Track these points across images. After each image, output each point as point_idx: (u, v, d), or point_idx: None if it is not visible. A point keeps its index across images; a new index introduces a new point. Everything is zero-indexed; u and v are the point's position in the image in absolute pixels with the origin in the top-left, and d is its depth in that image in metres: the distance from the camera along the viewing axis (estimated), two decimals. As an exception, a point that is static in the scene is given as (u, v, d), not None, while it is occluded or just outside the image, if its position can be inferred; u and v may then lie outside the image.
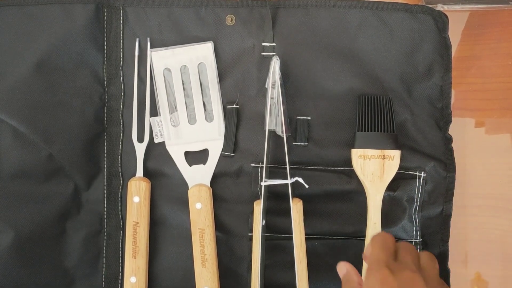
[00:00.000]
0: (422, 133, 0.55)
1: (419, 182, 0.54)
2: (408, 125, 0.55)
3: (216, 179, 0.57)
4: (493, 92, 0.57)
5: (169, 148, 0.56)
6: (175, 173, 0.57)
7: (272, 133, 0.55)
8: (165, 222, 0.57)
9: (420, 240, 0.55)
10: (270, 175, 0.55)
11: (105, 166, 0.58)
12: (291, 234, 0.54)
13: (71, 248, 0.57)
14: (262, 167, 0.55)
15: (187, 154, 0.57)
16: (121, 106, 0.57)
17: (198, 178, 0.56)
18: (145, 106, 0.57)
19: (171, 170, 0.57)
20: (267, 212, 0.55)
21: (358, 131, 0.53)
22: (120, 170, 0.57)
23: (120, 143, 0.57)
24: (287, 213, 0.55)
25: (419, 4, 0.55)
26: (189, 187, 0.56)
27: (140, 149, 0.56)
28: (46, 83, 0.55)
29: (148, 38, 0.56)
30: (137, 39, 0.56)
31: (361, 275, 0.52)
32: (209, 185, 0.56)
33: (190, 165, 0.56)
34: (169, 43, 0.56)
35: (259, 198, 0.56)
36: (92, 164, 0.57)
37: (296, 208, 0.53)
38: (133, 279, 0.55)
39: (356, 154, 0.53)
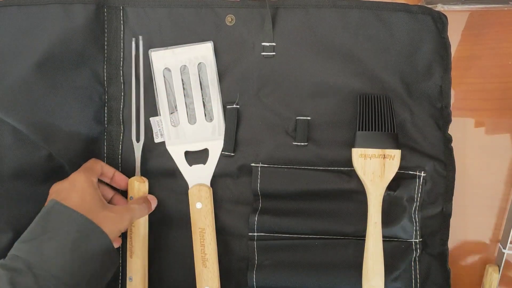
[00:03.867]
0: (422, 133, 0.55)
1: (419, 182, 0.54)
2: (408, 125, 0.55)
3: (216, 179, 0.57)
4: (492, 92, 0.57)
5: (169, 147, 0.56)
6: (176, 173, 0.57)
7: (277, 135, 0.55)
8: (165, 222, 0.57)
9: (420, 240, 0.55)
10: (271, 175, 0.55)
11: (105, 166, 0.58)
12: (292, 234, 0.55)
13: None
14: (263, 167, 0.55)
15: (187, 154, 0.56)
16: (121, 106, 0.57)
17: (198, 178, 0.56)
18: (145, 106, 0.57)
19: (171, 170, 0.57)
20: (267, 213, 0.55)
21: (359, 130, 0.53)
22: (120, 170, 0.57)
23: (120, 143, 0.57)
24: (286, 212, 0.55)
25: (419, 4, 0.55)
26: (189, 187, 0.56)
27: (137, 148, 0.56)
28: (46, 83, 0.55)
29: (141, 37, 0.56)
30: (133, 39, 0.56)
31: (361, 277, 0.52)
32: (209, 185, 0.56)
33: (190, 165, 0.56)
34: (169, 43, 0.56)
35: (258, 198, 0.56)
36: (92, 164, 0.57)
37: None
38: (130, 278, 0.56)
39: (357, 154, 0.53)
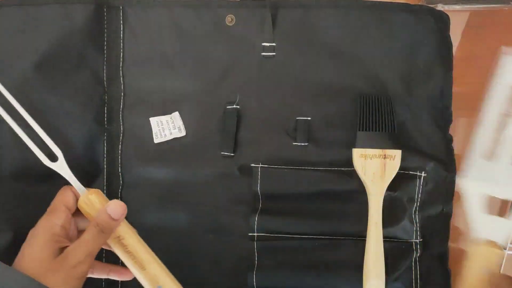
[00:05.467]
0: (423, 133, 0.55)
1: (420, 182, 0.54)
2: (408, 125, 0.55)
3: (216, 179, 0.56)
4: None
5: (465, 182, 0.51)
6: (177, 174, 0.57)
7: (278, 135, 0.55)
8: (167, 224, 0.57)
9: (420, 240, 0.55)
10: (271, 175, 0.55)
11: (105, 166, 0.57)
12: (292, 234, 0.55)
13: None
14: (263, 167, 0.55)
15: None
16: (121, 106, 0.57)
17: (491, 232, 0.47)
18: (147, 106, 0.56)
19: (172, 171, 0.57)
20: (268, 213, 0.55)
21: (359, 130, 0.53)
22: (120, 171, 0.57)
23: (120, 143, 0.57)
24: (287, 213, 0.55)
25: (419, 4, 0.55)
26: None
27: (60, 168, 0.48)
28: (46, 83, 0.55)
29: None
30: None
31: (361, 277, 0.52)
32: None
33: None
34: (169, 43, 0.56)
35: (258, 198, 0.56)
36: (92, 164, 0.57)
37: None
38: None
39: (357, 154, 0.53)
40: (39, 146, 0.48)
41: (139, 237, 0.48)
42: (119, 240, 0.47)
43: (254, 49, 0.56)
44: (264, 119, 0.56)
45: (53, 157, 0.48)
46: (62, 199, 0.47)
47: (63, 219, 0.45)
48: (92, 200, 0.46)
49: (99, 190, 0.47)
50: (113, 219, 0.45)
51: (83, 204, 0.46)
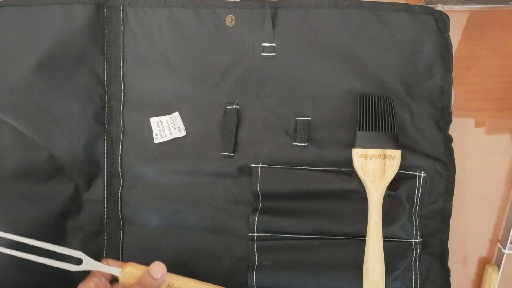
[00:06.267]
0: (422, 133, 0.55)
1: (419, 182, 0.54)
2: (408, 125, 0.55)
3: (216, 179, 0.57)
4: (493, 92, 0.57)
5: None
6: (177, 174, 0.57)
7: (277, 135, 0.55)
8: (167, 224, 0.57)
9: (420, 240, 0.55)
10: (271, 176, 0.55)
11: (105, 166, 0.58)
12: (292, 234, 0.55)
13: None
14: (263, 167, 0.55)
15: None
16: (121, 106, 0.57)
17: None
18: (147, 106, 0.56)
19: (172, 171, 0.57)
20: (267, 213, 0.55)
21: (359, 130, 0.53)
22: (120, 171, 0.57)
23: (120, 143, 0.57)
24: (287, 213, 0.55)
25: (419, 4, 0.55)
26: None
27: (89, 265, 0.51)
28: (46, 83, 0.55)
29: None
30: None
31: (361, 277, 0.52)
32: None
33: None
34: (170, 43, 0.56)
35: (258, 198, 0.56)
36: (92, 164, 0.57)
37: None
38: None
39: (357, 154, 0.53)
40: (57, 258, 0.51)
41: (178, 275, 0.52)
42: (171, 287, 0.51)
43: (254, 49, 0.56)
44: (264, 119, 0.56)
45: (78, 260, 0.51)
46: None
47: (96, 281, 0.50)
48: (130, 272, 0.50)
49: (130, 262, 0.51)
50: (155, 279, 0.49)
51: (124, 280, 0.50)
